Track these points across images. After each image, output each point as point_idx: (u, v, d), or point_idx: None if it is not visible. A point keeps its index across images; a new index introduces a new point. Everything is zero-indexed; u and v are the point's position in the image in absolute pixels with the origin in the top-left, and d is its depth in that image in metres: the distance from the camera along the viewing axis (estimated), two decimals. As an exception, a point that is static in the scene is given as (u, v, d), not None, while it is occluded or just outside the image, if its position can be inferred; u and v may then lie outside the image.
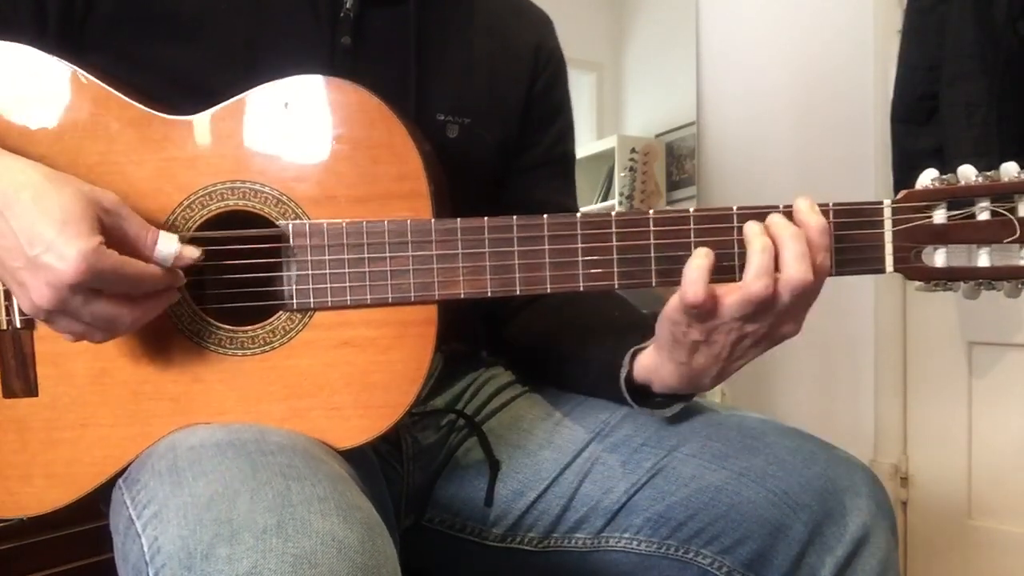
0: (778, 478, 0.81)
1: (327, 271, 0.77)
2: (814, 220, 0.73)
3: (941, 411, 1.91)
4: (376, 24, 0.89)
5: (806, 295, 0.73)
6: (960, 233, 0.74)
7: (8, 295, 0.78)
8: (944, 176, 0.74)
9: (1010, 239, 0.72)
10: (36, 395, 0.79)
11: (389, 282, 0.77)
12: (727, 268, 0.75)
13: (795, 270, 0.72)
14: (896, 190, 0.76)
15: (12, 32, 0.80)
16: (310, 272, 0.77)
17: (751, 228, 0.74)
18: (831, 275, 0.76)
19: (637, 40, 2.54)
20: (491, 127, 0.96)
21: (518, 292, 0.76)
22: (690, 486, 0.84)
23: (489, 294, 0.77)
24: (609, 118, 2.52)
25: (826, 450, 0.84)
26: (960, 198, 0.73)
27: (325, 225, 0.76)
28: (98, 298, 0.69)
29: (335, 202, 0.77)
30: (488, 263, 0.76)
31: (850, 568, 0.80)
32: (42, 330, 0.78)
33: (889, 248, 0.75)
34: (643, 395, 0.85)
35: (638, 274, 0.77)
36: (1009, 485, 1.81)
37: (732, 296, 0.73)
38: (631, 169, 2.39)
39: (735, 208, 0.75)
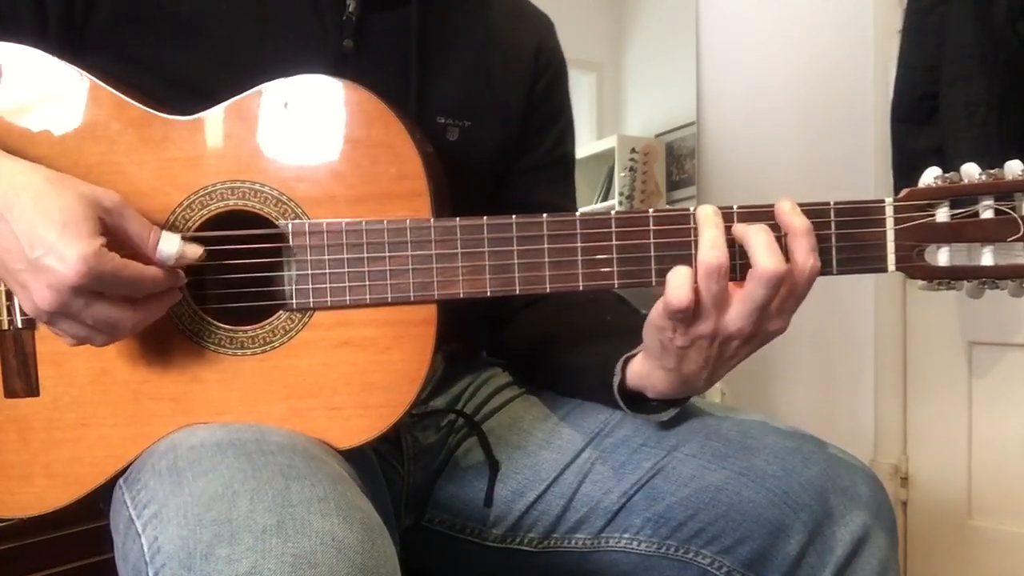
0: (778, 478, 0.81)
1: (326, 271, 0.77)
2: (797, 222, 0.73)
3: (941, 411, 1.91)
4: (378, 27, 0.89)
5: (787, 289, 0.73)
6: (963, 232, 0.73)
7: (9, 295, 0.78)
8: (947, 174, 0.73)
9: (1013, 237, 0.72)
10: (37, 395, 0.79)
11: (388, 282, 0.77)
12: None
13: (766, 261, 0.71)
14: (896, 190, 0.75)
15: (13, 33, 0.80)
16: (309, 272, 0.77)
17: (704, 210, 0.74)
18: (833, 274, 0.76)
19: (637, 40, 2.54)
20: (492, 129, 0.96)
21: (517, 292, 0.76)
22: (690, 486, 0.84)
23: (488, 294, 0.77)
24: (609, 118, 2.51)
25: (826, 450, 0.84)
26: (963, 196, 0.73)
27: (325, 225, 0.77)
28: (100, 300, 0.69)
29: (335, 202, 0.77)
30: (487, 263, 0.76)
31: (850, 568, 0.79)
32: (43, 330, 0.78)
33: (891, 247, 0.75)
34: (638, 401, 0.84)
35: (638, 273, 0.76)
36: (1009, 485, 1.81)
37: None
38: (631, 169, 2.39)
39: (735, 207, 0.75)
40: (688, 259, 0.75)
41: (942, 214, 0.74)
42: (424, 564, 0.95)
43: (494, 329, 1.04)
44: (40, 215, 0.67)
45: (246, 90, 0.77)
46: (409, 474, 0.94)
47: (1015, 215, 0.71)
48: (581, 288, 0.76)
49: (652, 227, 0.76)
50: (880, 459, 1.98)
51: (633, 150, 2.40)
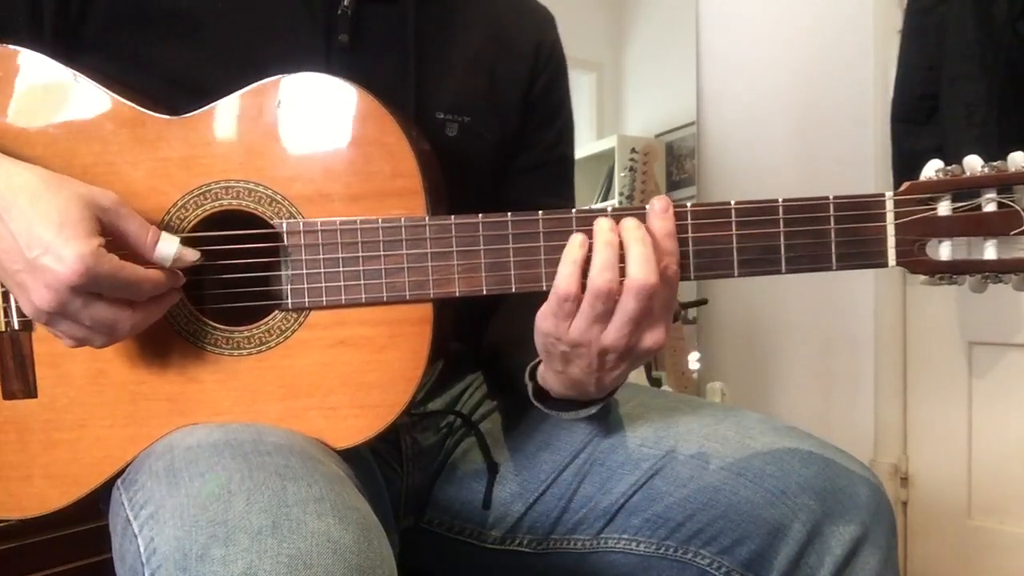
0: (777, 478, 0.81)
1: (321, 270, 0.77)
2: (658, 225, 0.72)
3: (941, 411, 1.91)
4: (374, 21, 0.88)
5: (655, 300, 0.71)
6: (965, 225, 0.72)
7: (5, 297, 0.78)
8: (949, 167, 0.72)
9: (1017, 231, 0.71)
10: (35, 396, 0.79)
11: (384, 280, 0.77)
12: (726, 263, 0.75)
13: (637, 273, 0.70)
14: (896, 190, 0.75)
15: (7, 33, 0.80)
16: (304, 271, 0.77)
17: (599, 225, 0.73)
18: (832, 269, 0.75)
19: (637, 40, 2.54)
20: (490, 126, 0.96)
21: (514, 290, 0.76)
22: (688, 486, 0.83)
23: (484, 292, 0.76)
24: (609, 118, 2.52)
25: (825, 449, 0.84)
26: (965, 188, 0.72)
27: (319, 224, 0.76)
28: (98, 301, 0.69)
29: (329, 201, 0.77)
30: (483, 260, 0.76)
31: (849, 568, 0.79)
32: (40, 331, 0.78)
33: (891, 241, 0.74)
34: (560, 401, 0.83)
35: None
36: (1009, 485, 1.81)
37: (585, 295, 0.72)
38: (631, 169, 2.39)
39: (733, 203, 0.75)
40: (685, 255, 0.74)
41: (944, 207, 0.73)
42: (423, 565, 0.95)
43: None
44: (37, 215, 0.67)
45: (242, 87, 0.77)
46: (408, 475, 0.94)
47: (1018, 208, 0.70)
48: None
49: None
50: (880, 459, 1.97)
51: (633, 150, 2.40)
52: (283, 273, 0.77)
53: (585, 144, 2.46)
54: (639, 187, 2.38)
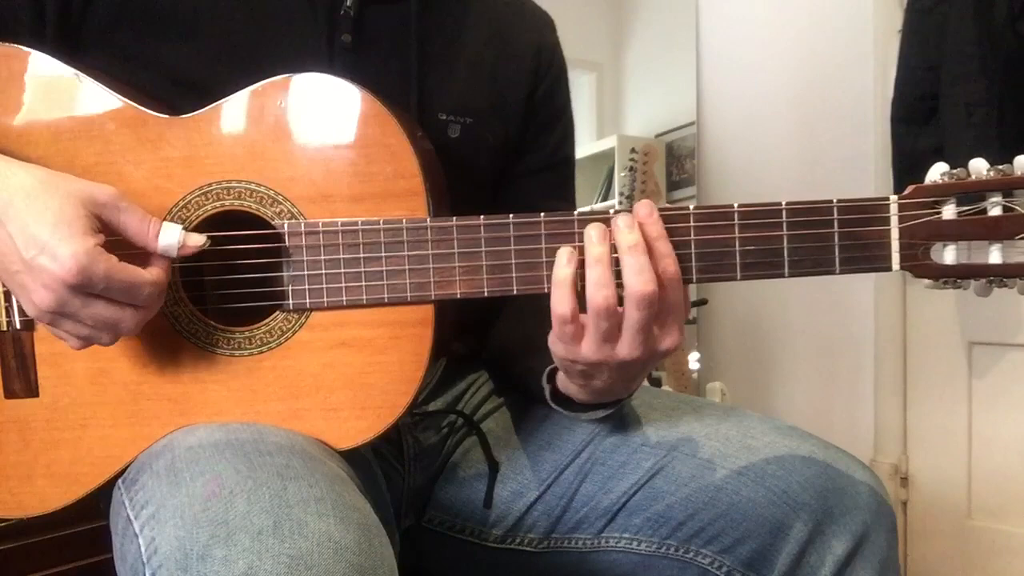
0: (778, 477, 0.81)
1: (323, 271, 0.77)
2: (650, 230, 0.71)
3: (941, 411, 1.91)
4: (377, 22, 0.88)
5: (660, 305, 0.71)
6: (970, 229, 0.72)
7: (7, 296, 0.78)
8: (954, 171, 0.72)
9: (1021, 235, 0.70)
10: (37, 396, 0.79)
11: (385, 282, 0.77)
12: (728, 266, 0.75)
13: (634, 283, 0.70)
14: (896, 190, 0.75)
15: (10, 32, 0.80)
16: (306, 272, 0.77)
17: (588, 239, 0.72)
18: (836, 273, 0.74)
19: (637, 40, 2.54)
20: (492, 127, 0.96)
21: (515, 292, 0.76)
22: (690, 486, 0.84)
23: (486, 293, 0.76)
24: (609, 118, 2.52)
25: (826, 449, 0.84)
26: (971, 192, 0.71)
27: (321, 225, 0.76)
28: (97, 300, 0.69)
29: (331, 201, 0.77)
30: (484, 262, 0.76)
31: (850, 567, 0.79)
32: (41, 331, 0.78)
33: (896, 245, 0.73)
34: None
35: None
36: (1009, 485, 1.81)
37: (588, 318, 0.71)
38: (631, 169, 2.40)
39: (736, 205, 0.75)
40: (688, 257, 0.74)
41: (948, 211, 0.72)
42: (424, 564, 0.95)
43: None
44: (33, 216, 0.67)
45: (244, 87, 0.77)
46: (409, 474, 0.94)
47: (1023, 212, 0.70)
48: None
49: (651, 226, 0.75)
50: (880, 459, 1.98)
51: (633, 150, 2.40)
52: (284, 274, 0.77)
53: (585, 144, 2.46)
54: (639, 187, 2.39)
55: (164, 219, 0.76)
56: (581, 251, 0.72)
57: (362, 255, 0.76)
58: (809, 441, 0.85)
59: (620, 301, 0.71)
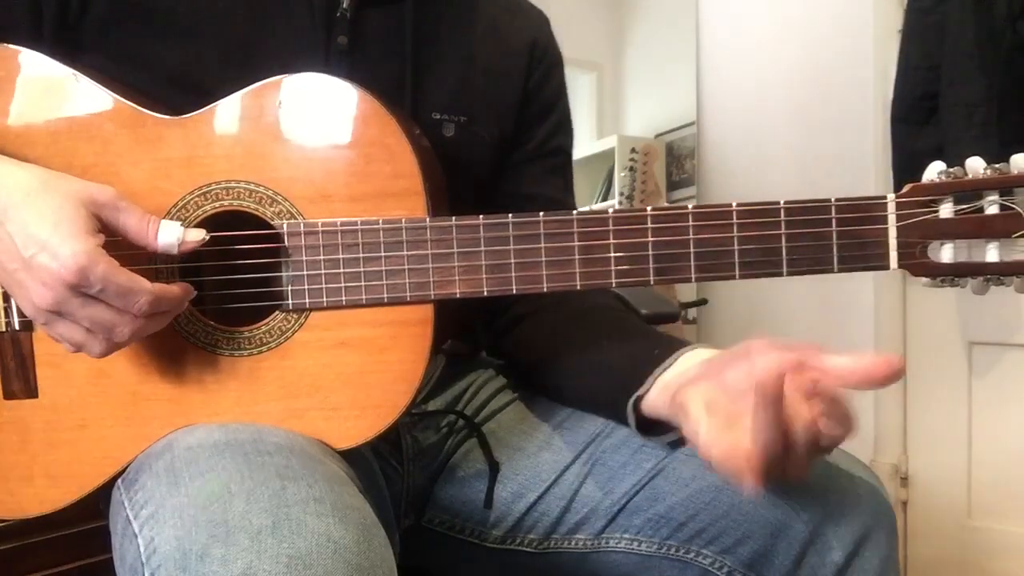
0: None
1: (322, 271, 0.77)
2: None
3: (941, 411, 1.91)
4: (372, 23, 0.88)
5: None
6: (968, 228, 0.72)
7: (6, 297, 0.78)
8: (951, 169, 0.72)
9: (1018, 233, 0.70)
10: (36, 396, 0.79)
11: (384, 282, 0.77)
12: (727, 265, 0.75)
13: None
14: (896, 190, 0.75)
15: (7, 33, 0.80)
16: (305, 272, 0.77)
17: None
18: (833, 272, 0.74)
19: (637, 40, 2.55)
20: (488, 125, 0.96)
21: (514, 291, 0.76)
22: (691, 486, 0.84)
23: (485, 293, 0.76)
24: (609, 118, 2.52)
25: (826, 449, 0.84)
26: (968, 191, 0.71)
27: (320, 225, 0.76)
28: (96, 302, 0.69)
29: (330, 201, 0.76)
30: (484, 262, 0.76)
31: (851, 567, 0.79)
32: (41, 332, 0.78)
33: (893, 244, 0.74)
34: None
35: (636, 272, 0.76)
36: (1009, 485, 1.81)
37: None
38: (631, 169, 2.40)
39: (734, 204, 0.75)
40: (686, 256, 0.74)
41: (946, 210, 0.72)
42: (424, 565, 0.95)
43: (495, 334, 1.03)
44: (33, 215, 0.67)
45: (242, 87, 0.77)
46: (409, 474, 0.94)
47: (1020, 210, 0.70)
48: (579, 287, 0.76)
49: (650, 225, 0.75)
50: (880, 459, 1.98)
51: (633, 150, 2.40)
52: (284, 274, 0.77)
53: (585, 144, 2.46)
54: (639, 187, 2.39)
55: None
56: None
57: (361, 255, 0.76)
58: (809, 441, 0.85)
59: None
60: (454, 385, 0.99)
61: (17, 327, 0.78)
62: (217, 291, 0.79)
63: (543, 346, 0.96)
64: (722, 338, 2.24)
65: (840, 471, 0.82)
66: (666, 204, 2.36)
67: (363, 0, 0.87)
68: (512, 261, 0.76)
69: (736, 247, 0.74)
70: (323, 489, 0.64)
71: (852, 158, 1.99)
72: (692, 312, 2.21)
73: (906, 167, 1.71)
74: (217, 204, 0.77)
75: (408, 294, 0.77)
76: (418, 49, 0.90)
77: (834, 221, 0.74)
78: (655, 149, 2.40)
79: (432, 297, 0.77)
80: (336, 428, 0.77)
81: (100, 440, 0.78)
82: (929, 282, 0.74)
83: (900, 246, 0.74)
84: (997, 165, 0.71)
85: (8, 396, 0.79)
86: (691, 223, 0.75)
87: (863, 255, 0.74)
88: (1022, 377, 1.79)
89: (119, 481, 0.77)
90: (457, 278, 0.76)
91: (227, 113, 0.77)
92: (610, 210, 0.75)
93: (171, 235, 0.72)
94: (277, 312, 0.78)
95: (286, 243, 0.77)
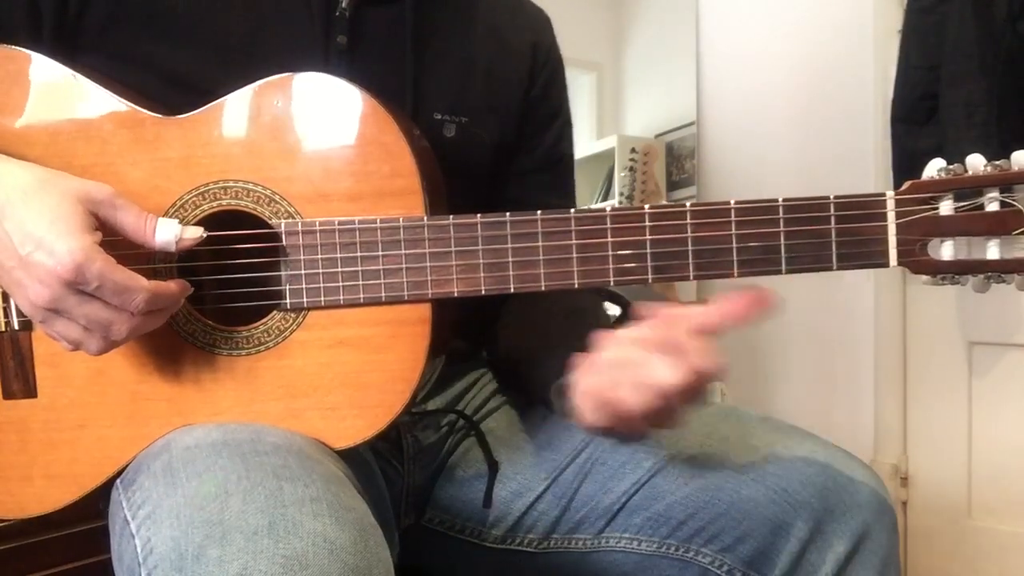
0: (778, 476, 0.81)
1: (320, 270, 0.77)
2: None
3: (941, 411, 1.91)
4: (372, 23, 0.88)
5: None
6: (968, 225, 0.72)
7: (5, 297, 0.79)
8: (951, 166, 0.72)
9: (1019, 230, 0.70)
10: (35, 396, 0.79)
11: (382, 281, 0.77)
12: (725, 264, 0.75)
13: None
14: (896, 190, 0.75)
15: (6, 33, 0.80)
16: (303, 271, 0.77)
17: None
18: (832, 269, 0.74)
19: (637, 40, 2.54)
20: (489, 126, 0.96)
21: (512, 290, 0.76)
22: (690, 485, 0.84)
23: (483, 292, 0.76)
24: (609, 118, 2.52)
25: (826, 448, 0.84)
26: (968, 188, 0.71)
27: (317, 224, 0.76)
28: (93, 300, 0.69)
29: (327, 200, 0.77)
30: (481, 261, 0.76)
31: (851, 565, 0.79)
32: (40, 331, 0.78)
33: (893, 241, 0.73)
34: None
35: (634, 271, 0.76)
36: (1009, 485, 1.81)
37: None
38: (631, 169, 2.40)
39: (732, 202, 0.75)
40: (685, 255, 0.74)
41: (946, 207, 0.72)
42: (423, 564, 0.95)
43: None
44: (30, 213, 0.67)
45: (240, 87, 0.77)
46: (409, 474, 0.94)
47: (1020, 207, 0.70)
48: (576, 285, 0.76)
49: (648, 223, 0.75)
50: (880, 459, 1.97)
51: (633, 150, 2.40)
52: (281, 273, 0.77)
53: (585, 144, 2.46)
54: (639, 187, 2.39)
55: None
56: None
57: (359, 254, 0.76)
58: (809, 440, 0.85)
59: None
60: (454, 384, 0.99)
61: (16, 327, 0.78)
62: (215, 291, 0.79)
63: (504, 339, 0.97)
64: (722, 338, 2.23)
65: (840, 470, 0.82)
66: (665, 203, 2.36)
67: None
68: (510, 260, 0.76)
69: (734, 245, 0.74)
70: (320, 489, 0.64)
71: (852, 158, 1.99)
72: (692, 312, 2.21)
73: (906, 167, 1.71)
74: (215, 203, 0.77)
75: (406, 293, 0.77)
76: (418, 49, 0.90)
77: (833, 219, 0.74)
78: (655, 149, 2.40)
79: (430, 296, 0.77)
80: (334, 428, 0.77)
81: (99, 440, 0.78)
82: (929, 280, 0.74)
83: (900, 243, 0.73)
84: (997, 162, 0.70)
85: (7, 396, 0.79)
86: (689, 221, 0.74)
87: (862, 252, 0.74)
88: (1022, 377, 1.78)
89: (118, 481, 0.77)
90: (455, 277, 0.76)
91: (226, 113, 0.77)
92: (608, 208, 0.75)
93: (169, 232, 0.72)
94: (275, 312, 0.78)
95: (284, 242, 0.77)
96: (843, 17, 2.01)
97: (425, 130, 0.85)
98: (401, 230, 0.76)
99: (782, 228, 0.74)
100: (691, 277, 0.75)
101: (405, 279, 0.77)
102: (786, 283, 0.71)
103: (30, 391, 0.79)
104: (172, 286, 0.73)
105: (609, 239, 0.75)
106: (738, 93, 2.23)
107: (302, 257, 0.77)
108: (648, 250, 0.75)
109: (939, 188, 0.72)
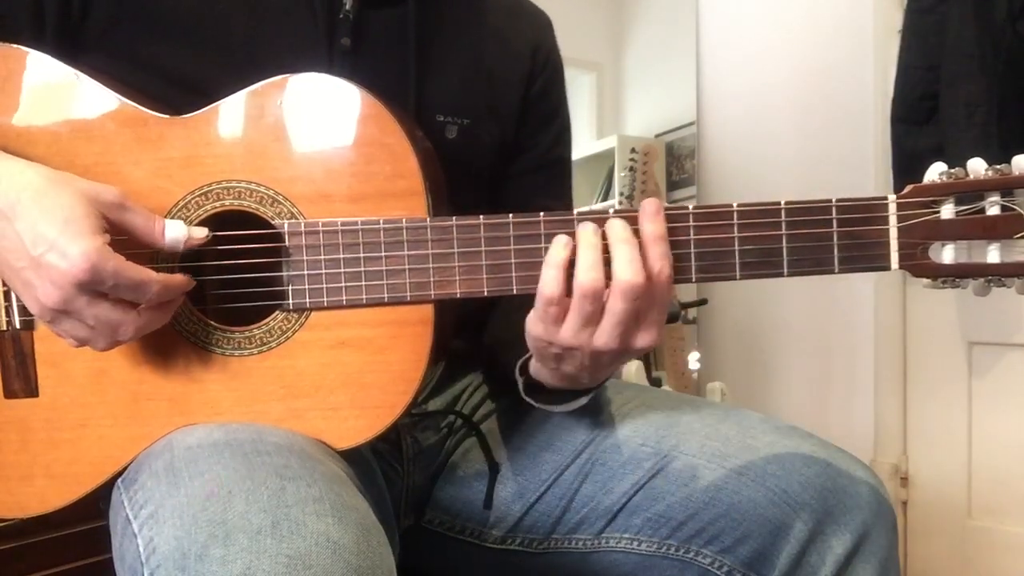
0: (778, 477, 0.81)
1: (322, 271, 0.77)
2: (648, 228, 0.72)
3: (941, 411, 1.91)
4: (375, 25, 0.88)
5: (644, 301, 0.72)
6: (969, 229, 0.72)
7: (7, 295, 0.78)
8: (952, 170, 0.72)
9: (1020, 234, 0.70)
10: (36, 395, 0.79)
11: (385, 282, 0.77)
12: (727, 266, 0.75)
13: (622, 273, 0.71)
14: (896, 190, 0.75)
15: (9, 32, 0.80)
16: (305, 272, 0.77)
17: (582, 229, 0.73)
18: (834, 272, 0.75)
19: (637, 40, 2.54)
20: (490, 128, 0.96)
21: (515, 291, 0.76)
22: (690, 486, 0.84)
23: (486, 293, 0.76)
24: (609, 118, 2.52)
25: (826, 448, 0.84)
26: (969, 192, 0.71)
27: (320, 224, 0.76)
28: (102, 300, 0.69)
29: (330, 201, 0.77)
30: (484, 262, 0.76)
31: (850, 566, 0.79)
32: (42, 330, 0.78)
33: (894, 244, 0.74)
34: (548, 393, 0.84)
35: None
36: (1009, 485, 1.81)
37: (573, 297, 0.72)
38: (631, 169, 2.40)
39: (735, 205, 0.75)
40: (687, 256, 0.74)
41: (947, 211, 0.72)
42: (423, 565, 0.95)
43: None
44: (42, 213, 0.67)
45: (243, 88, 0.77)
46: (409, 475, 0.94)
47: (1021, 211, 0.70)
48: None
49: (650, 225, 0.75)
50: (880, 459, 1.98)
51: (633, 150, 2.40)
52: (284, 274, 0.77)
53: (585, 144, 2.46)
54: (639, 187, 2.39)
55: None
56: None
57: (362, 255, 0.76)
58: (809, 441, 0.85)
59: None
60: (454, 385, 0.99)
61: (18, 326, 0.78)
62: (218, 291, 0.79)
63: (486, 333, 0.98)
64: (722, 338, 2.24)
65: (840, 470, 0.82)
66: (666, 204, 2.36)
67: (366, 1, 0.87)
68: (512, 261, 0.76)
69: (737, 247, 0.74)
70: (322, 489, 0.64)
71: (852, 158, 1.99)
72: (692, 312, 2.21)
73: (906, 167, 1.71)
74: (218, 204, 0.77)
75: (408, 294, 0.77)
76: (421, 51, 0.90)
77: (835, 222, 0.74)
78: (655, 149, 2.40)
79: (432, 297, 0.77)
80: (336, 428, 0.77)
81: (100, 439, 0.78)
82: (930, 283, 0.74)
83: (901, 247, 0.74)
84: (999, 166, 0.71)
85: (8, 395, 0.79)
86: (692, 223, 0.75)
87: (864, 256, 0.74)
88: (1022, 377, 1.79)
89: (119, 481, 0.77)
90: (457, 278, 0.76)
91: (228, 113, 0.77)
92: (611, 210, 0.75)
93: (177, 232, 0.72)
94: (277, 312, 0.78)
95: (287, 243, 0.77)
96: (843, 17, 2.02)
97: (427, 131, 0.85)
98: (404, 231, 0.76)
99: (784, 231, 0.74)
100: (693, 279, 0.75)
101: (408, 280, 0.77)
102: (786, 283, 0.71)
103: (31, 390, 0.79)
104: (179, 278, 0.74)
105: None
106: (738, 93, 2.23)
107: (304, 258, 0.77)
108: (650, 252, 0.75)
109: (940, 192, 0.72)
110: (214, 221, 0.77)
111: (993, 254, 0.72)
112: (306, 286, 0.77)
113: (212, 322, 0.78)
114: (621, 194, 2.40)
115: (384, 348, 0.77)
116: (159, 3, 0.83)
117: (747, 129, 2.21)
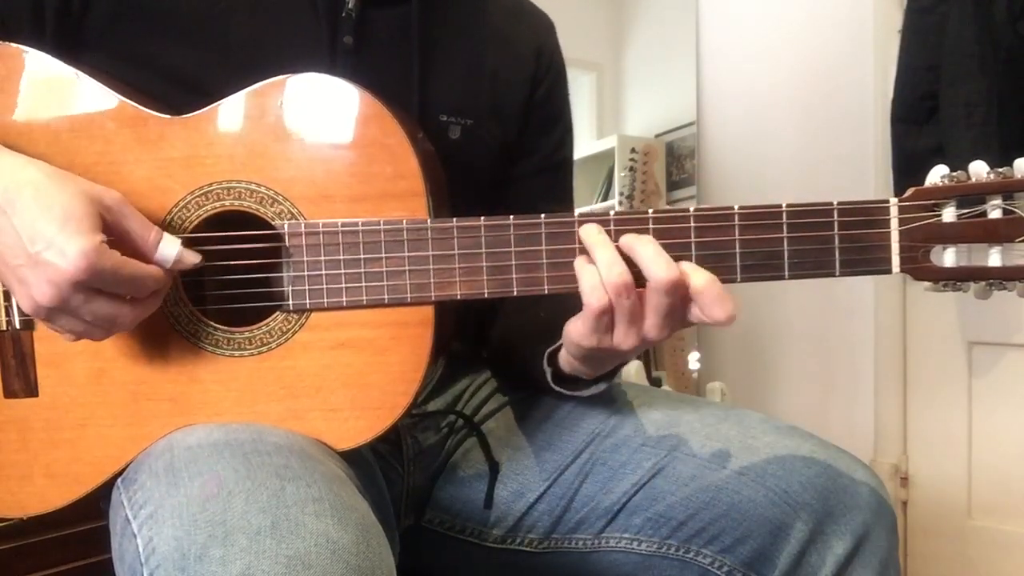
0: (778, 477, 0.81)
1: (323, 272, 0.77)
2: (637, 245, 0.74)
3: (941, 411, 1.91)
4: (378, 24, 0.88)
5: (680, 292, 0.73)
6: (970, 232, 0.72)
7: (7, 296, 0.78)
8: (954, 173, 0.72)
9: (1021, 238, 0.70)
10: (36, 395, 0.79)
11: (385, 283, 0.77)
12: (728, 268, 0.75)
13: (658, 271, 0.72)
14: (896, 190, 0.75)
15: (10, 31, 0.80)
16: (306, 273, 0.77)
17: (586, 231, 0.75)
18: (836, 275, 0.75)
19: (637, 40, 2.54)
20: (492, 129, 0.96)
21: (515, 293, 0.76)
22: (690, 486, 0.84)
23: (486, 294, 0.76)
24: (609, 118, 2.52)
25: (826, 449, 0.84)
26: (971, 195, 0.72)
27: (321, 225, 0.76)
28: (98, 297, 0.69)
29: (331, 202, 0.77)
30: (485, 263, 0.76)
31: (851, 566, 0.80)
32: (41, 330, 0.78)
33: (896, 248, 0.74)
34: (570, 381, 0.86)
35: (637, 274, 0.76)
36: (1009, 485, 1.81)
37: None
38: (631, 169, 2.39)
39: (736, 207, 0.75)
40: (688, 259, 0.74)
41: (949, 214, 0.72)
42: (424, 565, 0.95)
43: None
44: (41, 210, 0.67)
45: (244, 87, 0.77)
46: (409, 475, 0.94)
47: (1023, 215, 0.70)
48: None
49: (651, 227, 0.75)
50: (880, 459, 1.98)
51: (633, 150, 2.40)
52: (284, 274, 0.77)
53: (585, 144, 2.46)
54: (639, 187, 2.38)
55: (165, 219, 0.76)
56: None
57: (362, 256, 0.76)
58: (809, 441, 0.85)
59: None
60: (454, 385, 0.99)
61: (18, 326, 0.78)
62: (218, 291, 0.79)
63: (498, 331, 0.99)
64: (722, 338, 2.24)
65: (840, 471, 0.82)
66: (666, 204, 2.36)
67: (368, 0, 0.87)
68: (513, 263, 0.76)
69: (738, 250, 0.74)
70: (322, 489, 0.64)
71: (852, 158, 1.99)
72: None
73: (906, 167, 1.71)
74: (218, 204, 0.77)
75: (409, 295, 0.77)
76: (424, 50, 0.90)
77: (836, 224, 0.74)
78: (655, 149, 2.40)
79: (432, 298, 0.77)
80: (336, 429, 0.77)
81: (100, 439, 0.78)
82: (931, 286, 0.74)
83: (902, 250, 0.74)
84: (1000, 169, 0.71)
85: (8, 395, 0.79)
86: (692, 225, 0.75)
87: (865, 259, 0.74)
88: (1022, 377, 1.79)
89: (119, 480, 0.77)
90: (458, 279, 0.76)
91: (229, 113, 0.77)
92: (611, 212, 0.75)
93: (170, 250, 0.72)
94: (278, 312, 0.78)
95: (287, 243, 0.77)
96: (843, 17, 2.01)
97: (430, 131, 0.85)
98: (404, 232, 0.76)
99: (785, 234, 0.74)
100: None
101: (408, 281, 0.77)
102: (787, 283, 0.71)
103: (31, 390, 0.79)
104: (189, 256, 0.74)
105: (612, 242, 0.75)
106: (738, 93, 2.23)
107: (305, 258, 0.77)
108: (651, 254, 0.75)
109: (942, 195, 0.72)
110: (214, 221, 0.77)
111: (994, 257, 0.72)
112: (306, 287, 0.77)
113: (212, 323, 0.78)
114: (621, 194, 2.40)
115: (384, 349, 0.77)
116: (159, 2, 0.83)
117: (747, 129, 2.21)
